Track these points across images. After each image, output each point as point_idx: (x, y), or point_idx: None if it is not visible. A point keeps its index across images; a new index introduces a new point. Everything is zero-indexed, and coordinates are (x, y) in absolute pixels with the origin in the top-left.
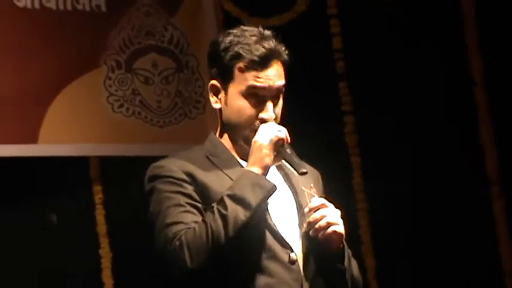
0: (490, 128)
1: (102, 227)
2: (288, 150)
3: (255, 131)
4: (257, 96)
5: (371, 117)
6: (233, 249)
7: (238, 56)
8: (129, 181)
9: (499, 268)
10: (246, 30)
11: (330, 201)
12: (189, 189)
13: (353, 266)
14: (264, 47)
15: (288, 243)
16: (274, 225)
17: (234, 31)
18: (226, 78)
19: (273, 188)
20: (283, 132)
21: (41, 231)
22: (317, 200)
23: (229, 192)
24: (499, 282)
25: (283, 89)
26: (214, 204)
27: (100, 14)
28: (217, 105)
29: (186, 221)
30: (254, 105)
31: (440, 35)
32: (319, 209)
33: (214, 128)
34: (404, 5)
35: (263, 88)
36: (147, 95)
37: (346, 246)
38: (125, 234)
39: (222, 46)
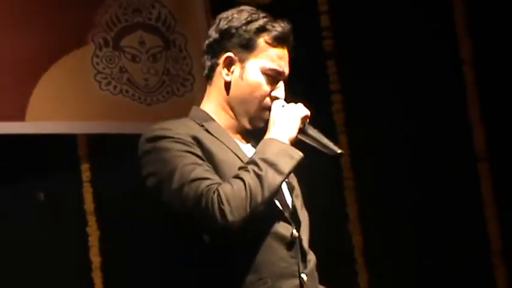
0: (478, 106)
1: (89, 205)
2: (316, 130)
3: (265, 108)
4: (275, 75)
5: (359, 96)
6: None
7: (263, 29)
8: (116, 159)
9: (487, 247)
10: (256, 11)
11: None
12: (200, 153)
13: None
14: (284, 26)
15: (289, 220)
16: (276, 202)
17: (245, 8)
18: (248, 50)
19: (302, 158)
20: (308, 111)
21: (28, 209)
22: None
23: (261, 156)
24: (487, 261)
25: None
26: (247, 165)
27: None
28: (228, 78)
29: (213, 178)
30: (270, 83)
31: (428, 13)
32: None
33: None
34: None
35: (282, 72)
36: (134, 73)
37: None
38: (112, 213)
39: (243, 19)
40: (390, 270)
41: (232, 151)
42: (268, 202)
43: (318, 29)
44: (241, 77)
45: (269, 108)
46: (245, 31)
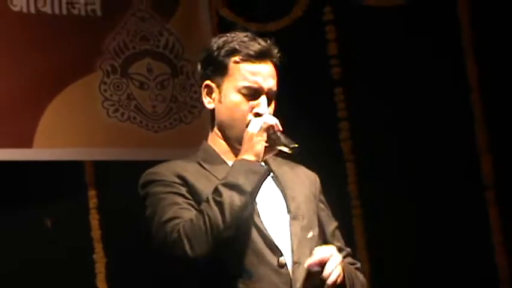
0: (486, 134)
1: (96, 232)
2: (279, 134)
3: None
4: (251, 92)
5: (366, 123)
6: (230, 238)
7: (233, 51)
8: (123, 186)
9: (495, 275)
10: (238, 33)
11: (327, 205)
12: (183, 190)
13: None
14: (259, 43)
15: (277, 248)
16: (265, 228)
17: (227, 34)
18: (221, 74)
19: (266, 173)
20: (272, 120)
21: (35, 236)
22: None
23: (223, 181)
24: None
25: (276, 93)
26: (209, 195)
27: (95, 19)
28: (210, 105)
29: (183, 216)
30: (248, 101)
31: (436, 41)
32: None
33: (206, 135)
34: (400, 11)
35: (258, 88)
36: (142, 100)
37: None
38: (119, 239)
39: (216, 46)
40: None
41: None
42: (235, 225)
43: (326, 57)
44: (220, 101)
45: None
46: (217, 56)
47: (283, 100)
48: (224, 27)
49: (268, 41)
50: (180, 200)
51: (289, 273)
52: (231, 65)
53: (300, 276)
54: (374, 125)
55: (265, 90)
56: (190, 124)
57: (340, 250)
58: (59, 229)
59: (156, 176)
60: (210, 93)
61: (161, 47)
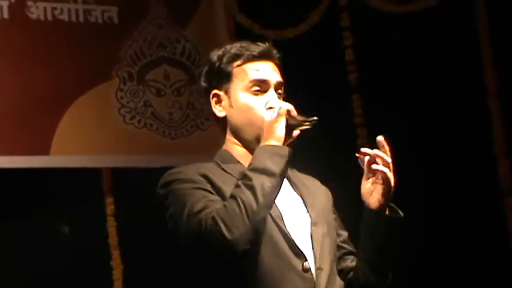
0: (504, 139)
1: (113, 239)
2: (296, 116)
3: None
4: (260, 87)
5: (383, 129)
6: (263, 223)
7: (235, 56)
8: (140, 193)
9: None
10: (236, 42)
11: (337, 215)
12: (208, 186)
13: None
14: (259, 45)
15: (302, 252)
16: (289, 233)
17: (224, 46)
18: (226, 80)
19: (291, 154)
20: (287, 105)
21: (52, 243)
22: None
23: (250, 167)
24: None
25: (283, 89)
26: (239, 181)
27: (112, 26)
28: (222, 114)
29: (215, 206)
30: (259, 99)
31: (453, 47)
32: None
33: (223, 142)
34: (417, 17)
35: (264, 76)
36: (158, 107)
37: None
38: (136, 246)
39: (216, 57)
40: None
41: None
42: (268, 206)
43: (343, 63)
44: (231, 106)
45: None
46: (220, 65)
47: (300, 106)
48: (241, 33)
49: (267, 43)
50: (207, 193)
51: (313, 278)
52: (235, 70)
53: (323, 282)
54: (391, 131)
55: (273, 83)
56: (207, 131)
57: (354, 254)
58: (76, 236)
59: (180, 174)
60: (219, 101)
61: (178, 54)
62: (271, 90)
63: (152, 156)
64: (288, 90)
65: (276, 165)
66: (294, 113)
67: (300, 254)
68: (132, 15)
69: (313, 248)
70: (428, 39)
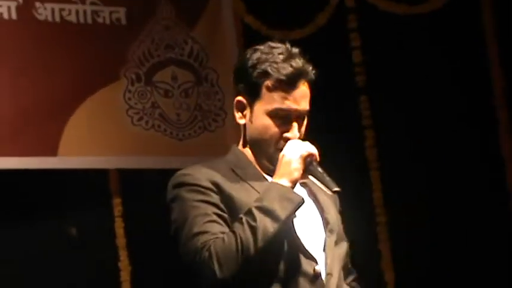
0: (511, 143)
1: (121, 240)
2: (319, 168)
3: (280, 149)
4: (283, 117)
5: (391, 131)
6: (260, 261)
7: (266, 74)
8: (148, 194)
9: None
10: (273, 48)
11: (346, 218)
12: (215, 198)
13: None
14: (291, 65)
15: (313, 256)
16: (300, 238)
17: (262, 47)
18: (253, 95)
19: (301, 202)
20: (313, 149)
21: (60, 244)
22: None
23: (257, 204)
24: None
25: (307, 112)
26: (243, 216)
27: (120, 27)
28: (242, 121)
29: (214, 231)
30: (279, 125)
31: (461, 49)
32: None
33: (236, 141)
34: (424, 19)
35: (289, 110)
36: (166, 108)
37: None
38: (144, 247)
39: (250, 63)
40: None
41: (257, 192)
42: (266, 251)
43: (351, 65)
44: (251, 120)
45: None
46: (250, 75)
47: (308, 108)
48: (248, 34)
49: (302, 59)
50: (211, 210)
51: (323, 284)
52: (263, 89)
53: (333, 286)
54: (399, 133)
55: (296, 113)
56: (215, 132)
57: (350, 272)
58: (83, 237)
59: (190, 178)
60: (241, 109)
61: (186, 55)
62: (294, 123)
63: (160, 158)
64: None
65: (283, 209)
66: (317, 157)
67: (311, 258)
68: (140, 16)
69: (325, 255)
70: (435, 40)
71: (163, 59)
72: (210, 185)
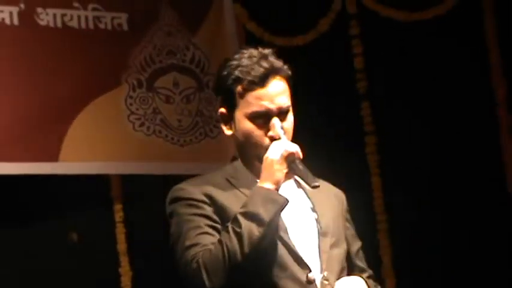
0: None
1: (122, 246)
2: (300, 166)
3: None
4: (263, 117)
5: (392, 137)
6: (251, 267)
7: (238, 80)
8: (149, 199)
9: None
10: (244, 53)
11: (352, 223)
12: (208, 210)
13: None
14: (261, 66)
15: (306, 263)
16: (293, 244)
17: (235, 55)
18: (231, 103)
19: (285, 202)
20: (293, 147)
21: (61, 249)
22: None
23: (242, 209)
24: None
25: (289, 106)
26: (229, 224)
27: (122, 33)
28: (229, 132)
29: (204, 243)
30: (261, 126)
31: (462, 55)
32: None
33: (232, 150)
34: (426, 25)
35: (265, 107)
36: (168, 114)
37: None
38: (145, 253)
39: (224, 73)
40: None
41: None
42: (253, 257)
43: (352, 71)
44: (235, 128)
45: None
46: (225, 85)
47: (310, 113)
48: (250, 41)
49: (273, 58)
50: (203, 222)
51: None
52: (238, 95)
53: None
54: (400, 139)
55: (275, 110)
56: (216, 138)
57: (362, 271)
58: (84, 242)
59: (184, 193)
60: (226, 120)
61: (187, 61)
62: (274, 119)
63: (161, 163)
64: (297, 99)
65: (267, 212)
66: (299, 155)
67: (304, 266)
68: (142, 22)
69: (320, 259)
70: (437, 47)
71: (165, 65)
72: (203, 198)
